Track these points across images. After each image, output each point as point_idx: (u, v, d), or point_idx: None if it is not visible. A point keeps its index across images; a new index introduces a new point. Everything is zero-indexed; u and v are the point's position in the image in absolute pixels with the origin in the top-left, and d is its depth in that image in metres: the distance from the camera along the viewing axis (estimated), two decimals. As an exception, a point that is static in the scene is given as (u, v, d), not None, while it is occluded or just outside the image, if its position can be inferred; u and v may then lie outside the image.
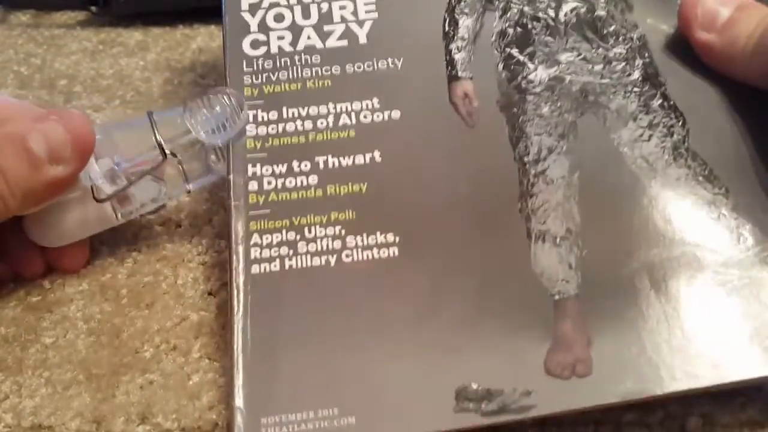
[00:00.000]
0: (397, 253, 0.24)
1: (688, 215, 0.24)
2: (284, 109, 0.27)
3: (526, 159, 0.25)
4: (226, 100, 0.27)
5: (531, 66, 0.26)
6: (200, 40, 0.43)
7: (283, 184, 0.26)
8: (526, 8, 0.27)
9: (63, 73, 0.40)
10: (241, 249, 0.24)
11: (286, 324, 0.23)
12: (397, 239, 0.24)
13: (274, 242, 0.24)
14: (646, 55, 0.27)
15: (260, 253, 0.24)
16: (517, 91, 0.26)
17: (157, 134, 0.26)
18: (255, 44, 0.29)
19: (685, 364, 0.22)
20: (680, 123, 0.25)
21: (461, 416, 0.21)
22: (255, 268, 0.24)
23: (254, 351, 0.23)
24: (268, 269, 0.24)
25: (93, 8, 0.43)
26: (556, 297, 0.23)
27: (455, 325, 0.23)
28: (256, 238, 0.25)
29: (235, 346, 0.23)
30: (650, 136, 0.25)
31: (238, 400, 0.22)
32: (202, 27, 0.44)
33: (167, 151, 0.26)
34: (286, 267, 0.24)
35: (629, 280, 0.23)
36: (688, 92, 0.26)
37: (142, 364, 0.26)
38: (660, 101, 0.26)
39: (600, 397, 0.21)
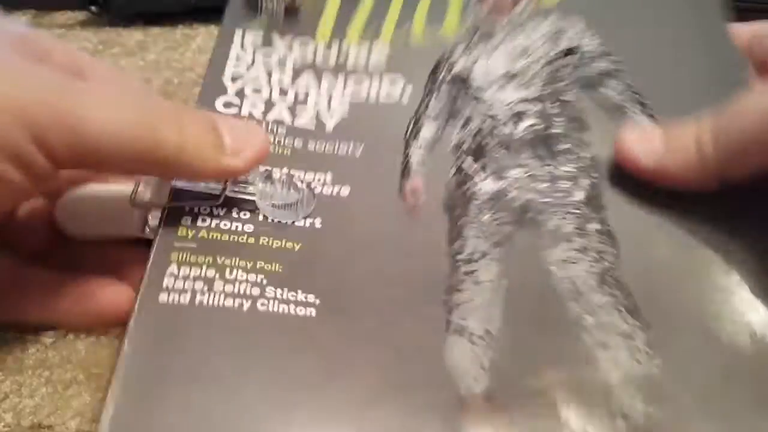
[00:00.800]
0: (314, 314, 0.24)
1: (602, 342, 0.23)
2: (243, 182, 0.27)
3: (459, 257, 0.25)
4: (303, 186, 0.27)
5: (479, 178, 0.27)
6: (200, 40, 0.43)
7: (218, 225, 0.26)
8: (486, 123, 0.28)
9: (63, 73, 0.40)
10: (154, 274, 0.24)
11: (181, 357, 0.22)
12: (317, 302, 0.24)
13: (191, 275, 0.24)
14: (594, 175, 0.27)
15: (173, 284, 0.24)
16: (463, 198, 0.27)
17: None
18: (227, 105, 0.29)
19: None
20: (613, 251, 0.25)
21: None
22: (163, 297, 0.24)
23: (136, 381, 0.22)
24: (177, 300, 0.23)
25: (93, 8, 0.43)
26: (462, 392, 0.22)
27: (359, 394, 0.22)
28: (173, 268, 0.24)
29: (117, 374, 0.22)
30: (580, 260, 0.25)
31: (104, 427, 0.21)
32: (202, 27, 0.44)
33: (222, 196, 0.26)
34: (197, 302, 0.23)
35: (538, 392, 0.22)
36: (627, 219, 0.26)
37: (141, 363, 0.26)
38: (597, 226, 0.26)
39: None
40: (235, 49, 0.31)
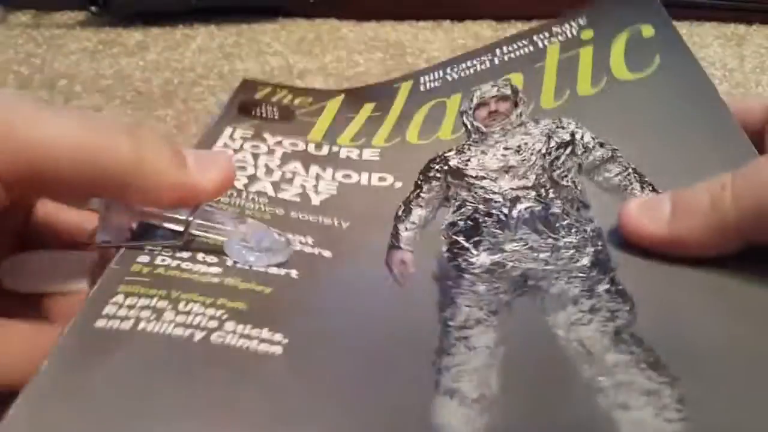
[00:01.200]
0: (279, 352, 0.21)
1: (622, 403, 0.21)
2: (211, 221, 0.24)
3: (450, 323, 0.23)
4: (281, 239, 0.24)
5: (474, 252, 0.25)
6: (200, 40, 0.43)
7: (179, 265, 0.23)
8: (480, 206, 0.27)
9: (63, 73, 0.40)
10: (95, 303, 0.21)
11: (105, 378, 0.19)
12: (285, 341, 0.21)
13: (138, 305, 0.21)
14: (599, 243, 0.25)
15: (115, 312, 0.21)
16: (456, 270, 0.25)
17: (190, 224, 0.23)
18: None
19: None
20: (627, 308, 0.23)
21: None
22: (100, 323, 0.20)
23: (49, 392, 0.18)
24: (115, 327, 0.20)
25: (93, 8, 0.43)
26: None
27: None
28: (119, 298, 0.21)
29: (24, 390, 0.18)
30: (590, 320, 0.23)
31: None
32: (202, 27, 0.44)
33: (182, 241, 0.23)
34: (139, 328, 0.20)
35: None
36: (642, 278, 0.24)
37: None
38: (606, 286, 0.24)
39: None
40: (222, 140, 0.30)
